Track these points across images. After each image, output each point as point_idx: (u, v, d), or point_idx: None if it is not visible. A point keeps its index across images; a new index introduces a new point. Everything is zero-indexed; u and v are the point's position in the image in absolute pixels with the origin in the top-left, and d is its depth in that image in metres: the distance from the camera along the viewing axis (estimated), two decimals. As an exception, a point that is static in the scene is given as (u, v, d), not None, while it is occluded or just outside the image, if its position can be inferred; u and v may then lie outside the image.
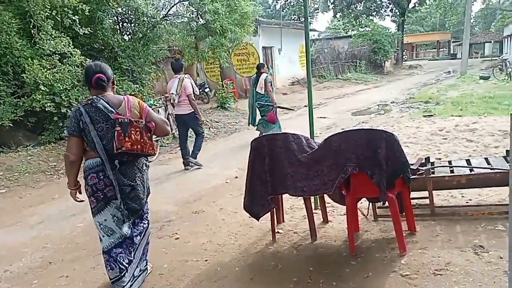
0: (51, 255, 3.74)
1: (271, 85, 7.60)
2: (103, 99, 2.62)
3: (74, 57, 7.58)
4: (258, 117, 7.78)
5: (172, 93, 6.10)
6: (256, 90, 7.57)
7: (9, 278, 3.35)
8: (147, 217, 2.99)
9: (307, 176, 3.06)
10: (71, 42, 7.67)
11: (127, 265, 2.76)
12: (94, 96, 2.64)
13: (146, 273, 3.05)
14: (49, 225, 4.51)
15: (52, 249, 3.86)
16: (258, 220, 3.45)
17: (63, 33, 7.67)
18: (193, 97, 6.17)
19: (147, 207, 2.97)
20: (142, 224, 2.93)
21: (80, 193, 2.86)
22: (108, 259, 2.72)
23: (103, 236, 2.75)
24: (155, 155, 3.09)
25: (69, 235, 4.17)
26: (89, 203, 2.76)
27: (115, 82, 2.89)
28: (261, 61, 17.20)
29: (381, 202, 3.34)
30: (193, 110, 6.16)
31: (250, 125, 8.01)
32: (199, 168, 6.45)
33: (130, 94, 3.07)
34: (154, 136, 2.88)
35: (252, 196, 3.34)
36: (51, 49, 7.37)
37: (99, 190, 2.67)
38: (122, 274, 2.72)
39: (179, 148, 8.17)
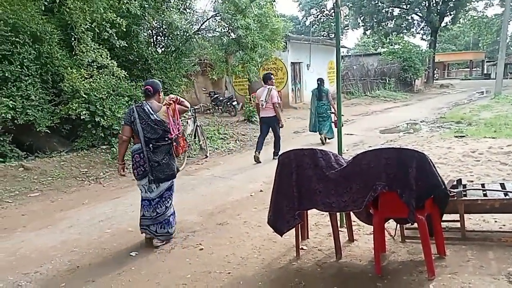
0: (79, 259, 3.84)
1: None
2: (148, 104, 3.90)
3: (112, 69, 7.89)
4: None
5: (262, 100, 7.55)
6: (323, 100, 9.32)
7: (39, 280, 3.46)
8: (173, 191, 4.08)
9: (336, 192, 3.04)
10: (109, 54, 7.98)
11: (148, 216, 3.96)
12: (144, 101, 3.96)
13: (162, 235, 4.00)
14: (78, 230, 4.64)
15: (80, 253, 3.97)
16: (281, 236, 3.44)
17: (101, 45, 8.00)
18: (278, 105, 7.66)
19: (173, 183, 4.09)
20: (168, 199, 4.02)
21: (124, 170, 4.12)
22: (141, 205, 4.02)
23: (142, 192, 4.01)
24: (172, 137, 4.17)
25: (97, 241, 4.28)
26: (133, 174, 4.01)
27: (160, 94, 4.06)
28: (289, 76, 17.35)
29: (410, 223, 3.26)
30: (275, 115, 7.63)
31: (310, 131, 9.75)
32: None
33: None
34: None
35: (277, 211, 3.33)
36: (90, 60, 7.70)
37: (141, 165, 3.88)
38: (144, 218, 3.99)
39: (205, 159, 8.34)
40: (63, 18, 7.84)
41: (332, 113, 9.18)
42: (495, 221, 3.85)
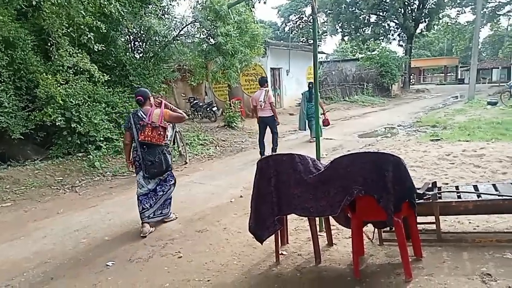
0: (53, 270, 3.72)
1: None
2: (141, 110, 4.50)
3: (94, 73, 7.70)
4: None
5: (261, 101, 8.08)
6: (313, 102, 10.04)
7: (10, 293, 3.34)
8: (171, 180, 4.74)
9: (314, 197, 3.05)
10: (88, 58, 7.79)
11: (149, 206, 4.55)
12: (138, 108, 4.58)
13: (168, 216, 4.77)
14: (52, 240, 4.50)
15: (54, 264, 3.85)
16: (261, 243, 3.42)
17: (79, 50, 7.82)
18: (274, 104, 8.29)
19: (171, 174, 4.76)
20: (166, 185, 4.69)
21: (133, 166, 4.64)
22: (139, 201, 4.55)
23: (137, 189, 4.58)
24: (162, 144, 4.57)
25: (72, 251, 4.16)
26: (134, 168, 4.66)
27: (151, 99, 4.58)
28: (269, 82, 17.43)
29: (387, 226, 3.31)
30: (273, 114, 8.16)
31: (300, 130, 11.30)
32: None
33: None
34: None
35: (257, 218, 3.31)
36: (70, 64, 7.52)
37: (136, 161, 4.54)
38: (145, 210, 4.53)
39: (184, 165, 8.26)
40: (37, 23, 7.64)
41: (322, 114, 9.78)
42: (470, 222, 3.95)
